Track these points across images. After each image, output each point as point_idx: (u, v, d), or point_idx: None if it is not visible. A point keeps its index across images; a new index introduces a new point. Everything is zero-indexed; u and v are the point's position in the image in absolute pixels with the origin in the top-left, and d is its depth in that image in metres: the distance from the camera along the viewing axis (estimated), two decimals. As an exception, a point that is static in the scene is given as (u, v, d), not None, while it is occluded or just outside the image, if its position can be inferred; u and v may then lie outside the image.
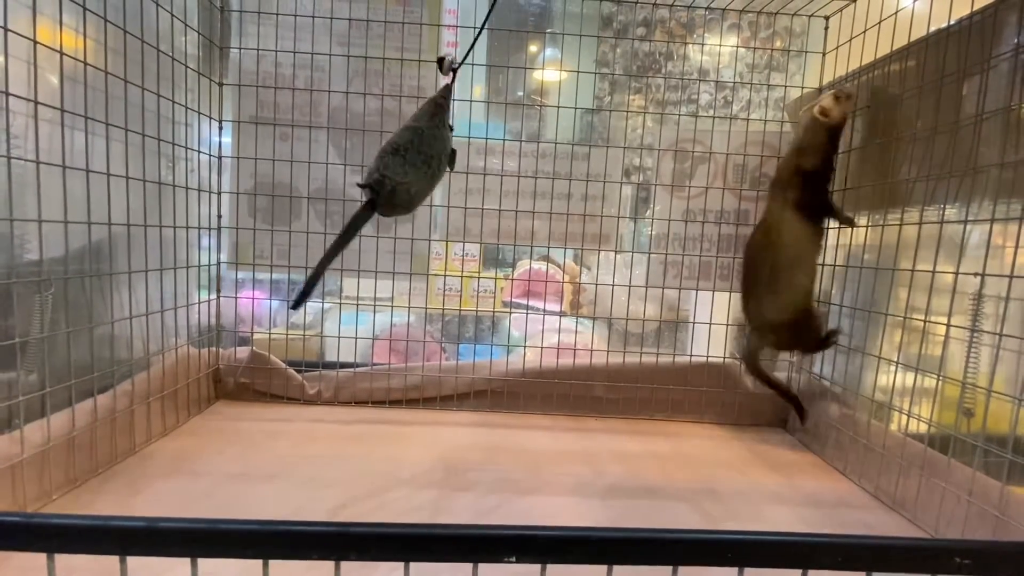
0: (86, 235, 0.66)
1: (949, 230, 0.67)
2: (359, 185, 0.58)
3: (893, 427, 0.75)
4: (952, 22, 0.69)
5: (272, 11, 0.93)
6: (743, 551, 0.26)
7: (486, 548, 0.25)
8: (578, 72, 0.99)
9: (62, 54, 0.61)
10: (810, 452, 0.89)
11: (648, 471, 0.78)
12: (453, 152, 0.61)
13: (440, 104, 0.59)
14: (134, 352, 0.77)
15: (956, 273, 0.64)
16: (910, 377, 0.71)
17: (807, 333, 0.83)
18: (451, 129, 0.62)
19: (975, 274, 0.62)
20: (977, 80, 0.65)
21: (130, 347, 0.76)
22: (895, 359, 0.74)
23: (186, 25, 0.84)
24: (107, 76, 0.67)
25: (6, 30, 0.54)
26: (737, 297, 1.02)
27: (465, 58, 0.63)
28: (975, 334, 0.64)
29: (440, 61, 0.61)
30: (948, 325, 0.66)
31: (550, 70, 1.30)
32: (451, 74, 0.60)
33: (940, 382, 0.67)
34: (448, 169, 0.62)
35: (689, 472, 0.79)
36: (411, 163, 0.55)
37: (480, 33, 0.67)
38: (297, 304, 0.61)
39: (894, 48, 0.79)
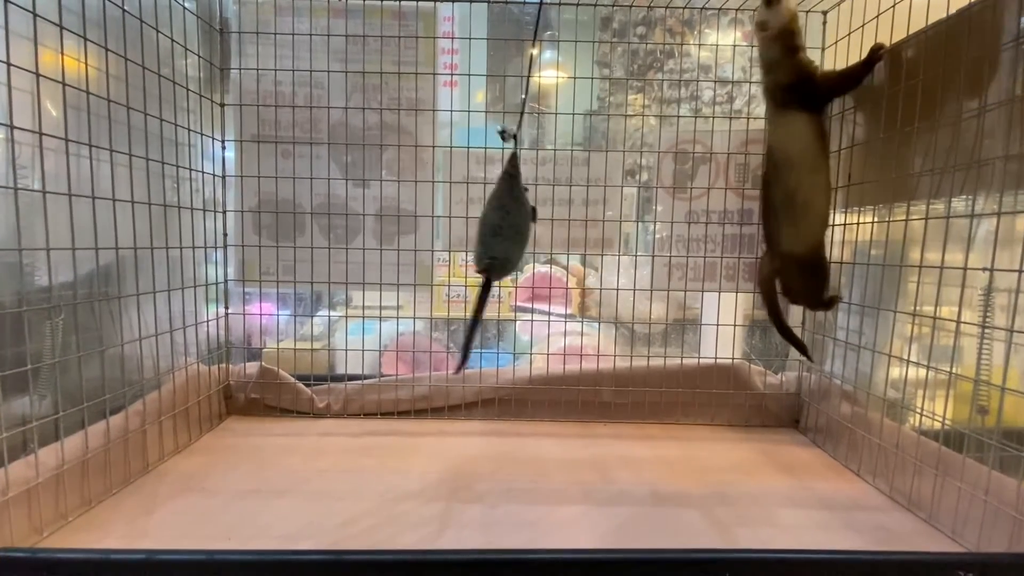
0: (94, 259, 0.67)
1: (956, 224, 0.66)
2: (477, 271, 0.69)
3: (906, 425, 0.74)
4: (951, 13, 0.68)
5: (270, 31, 0.94)
6: (740, 569, 0.26)
7: (484, 573, 0.25)
8: (575, 78, 0.99)
9: (64, 84, 0.62)
10: (823, 452, 0.88)
11: (658, 477, 0.78)
12: (534, 209, 0.69)
13: (513, 175, 0.67)
14: (145, 372, 0.78)
15: (964, 268, 0.63)
16: (921, 374, 0.70)
17: (816, 279, 0.79)
18: (526, 190, 0.69)
19: (983, 269, 0.61)
20: (978, 72, 0.64)
21: (140, 367, 0.78)
22: (905, 356, 0.73)
23: (186, 49, 0.85)
24: (110, 103, 0.68)
25: (9, 65, 0.55)
26: (744, 297, 1.01)
27: (520, 124, 0.69)
28: (986, 329, 0.62)
29: (501, 134, 0.69)
30: (959, 321, 0.64)
31: (549, 72, 1.30)
32: (512, 140, 0.68)
33: (952, 378, 0.66)
34: (533, 223, 0.72)
35: (699, 477, 0.78)
36: (507, 238, 0.67)
37: (525, 104, 0.74)
38: (459, 369, 0.74)
39: (893, 41, 0.78)
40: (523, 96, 0.73)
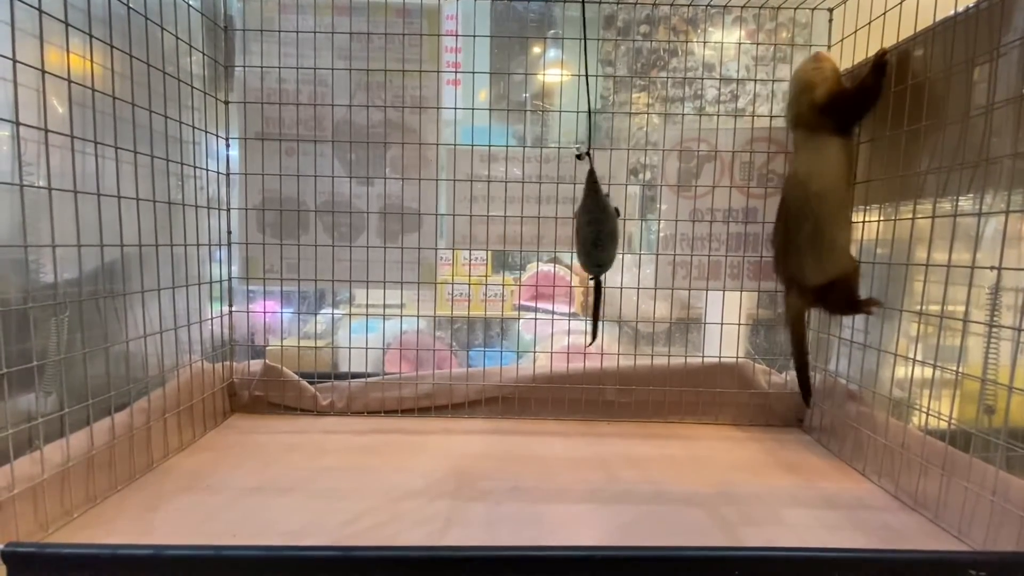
0: (99, 256, 0.67)
1: (964, 222, 0.66)
2: (590, 278, 0.80)
3: (912, 424, 0.74)
4: (959, 10, 0.68)
5: (275, 28, 0.94)
6: (750, 567, 0.26)
7: (489, 569, 0.25)
8: (579, 76, 0.99)
9: (70, 81, 0.62)
10: (827, 452, 0.88)
11: (662, 475, 0.77)
12: (617, 210, 0.78)
13: (595, 189, 0.74)
14: (149, 369, 0.78)
15: (972, 267, 0.63)
16: (928, 373, 0.70)
17: (844, 293, 0.78)
18: (608, 195, 0.76)
19: (991, 268, 0.61)
20: (986, 69, 0.63)
21: (145, 364, 0.78)
22: (912, 355, 0.73)
23: (191, 46, 0.85)
24: (115, 100, 0.68)
25: (15, 61, 0.55)
26: (748, 296, 1.01)
27: (590, 142, 0.78)
28: (994, 328, 0.62)
29: (579, 156, 0.77)
30: (965, 320, 0.64)
31: (553, 71, 1.29)
32: (587, 158, 0.76)
33: (959, 378, 0.65)
34: (619, 217, 0.80)
35: (704, 475, 0.78)
36: (604, 247, 0.76)
37: (591, 133, 0.82)
38: (594, 339, 0.83)
39: (900, 38, 0.77)
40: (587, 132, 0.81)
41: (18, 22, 0.56)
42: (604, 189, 0.76)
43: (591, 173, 0.74)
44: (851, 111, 0.79)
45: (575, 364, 1.00)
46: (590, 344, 0.84)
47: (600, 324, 0.84)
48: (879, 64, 0.76)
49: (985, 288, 0.63)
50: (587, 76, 0.77)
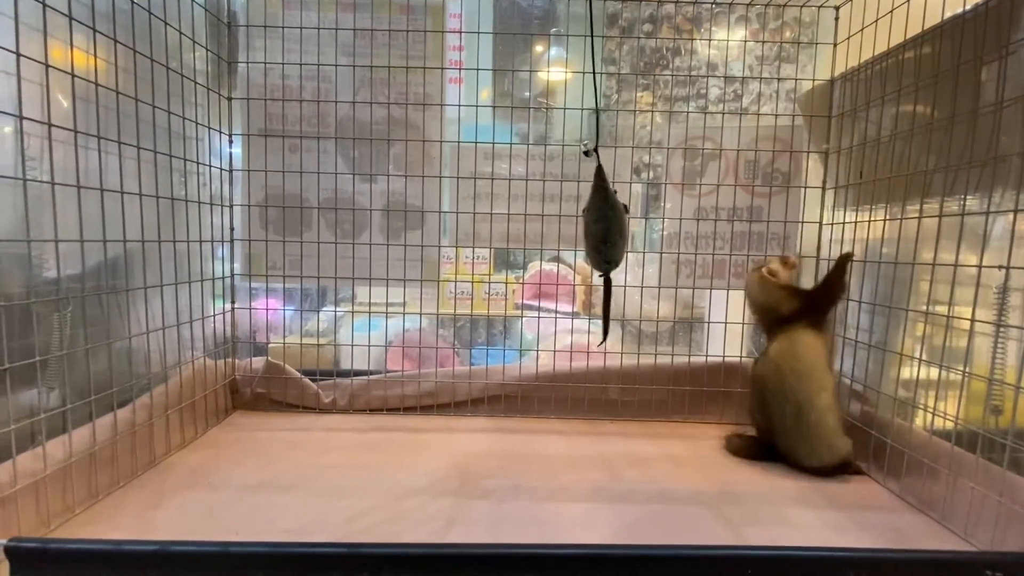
0: (102, 252, 0.67)
1: (971, 221, 0.65)
2: (599, 275, 0.79)
3: (917, 425, 0.73)
4: (967, 8, 0.67)
5: (278, 24, 0.93)
6: (763, 567, 0.25)
7: (498, 567, 0.25)
8: (583, 73, 0.99)
9: (73, 76, 0.62)
10: (832, 452, 0.87)
11: (665, 475, 0.77)
12: (626, 207, 0.78)
13: (602, 187, 0.75)
14: (152, 366, 0.78)
15: (979, 266, 0.63)
16: (934, 373, 0.69)
17: (842, 472, 0.78)
18: (616, 193, 0.76)
19: (999, 267, 0.60)
20: (995, 67, 0.63)
21: (147, 361, 0.77)
22: (917, 355, 0.72)
23: (194, 42, 0.85)
24: (118, 95, 0.68)
25: (18, 55, 0.55)
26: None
27: (597, 139, 0.76)
28: (1001, 328, 0.62)
29: (586, 153, 0.77)
30: (972, 320, 0.64)
31: (556, 70, 1.29)
32: (594, 155, 0.75)
33: (966, 378, 0.65)
34: (627, 214, 0.80)
35: (708, 475, 0.78)
36: (614, 243, 0.76)
37: (598, 123, 0.79)
38: (605, 338, 0.82)
39: (907, 36, 0.77)
40: (595, 117, 0.80)
41: (22, 16, 0.55)
42: (611, 186, 0.75)
43: (599, 170, 0.74)
44: (820, 308, 0.82)
45: (578, 363, 1.00)
46: (600, 344, 0.83)
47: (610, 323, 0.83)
48: (842, 264, 0.82)
49: (992, 288, 0.63)
50: (595, 73, 0.76)
